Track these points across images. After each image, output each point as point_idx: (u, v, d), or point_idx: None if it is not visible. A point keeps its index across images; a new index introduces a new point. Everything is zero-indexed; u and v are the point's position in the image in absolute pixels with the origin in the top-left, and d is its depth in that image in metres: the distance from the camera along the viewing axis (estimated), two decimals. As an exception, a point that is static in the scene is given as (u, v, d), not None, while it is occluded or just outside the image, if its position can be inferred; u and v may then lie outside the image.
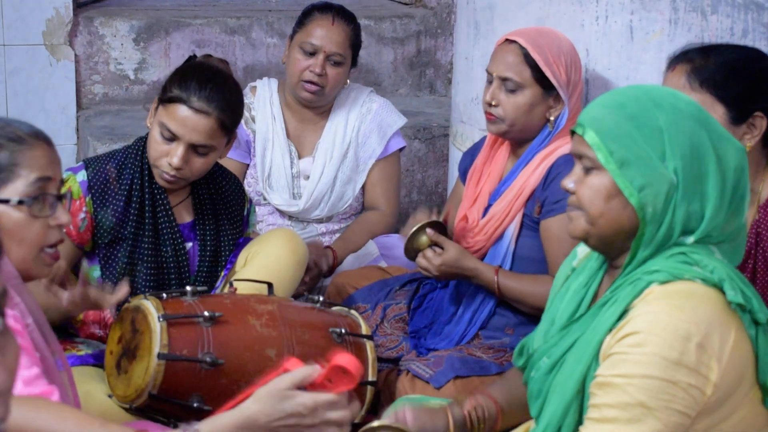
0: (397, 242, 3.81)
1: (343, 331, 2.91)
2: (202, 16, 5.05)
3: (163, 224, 3.08)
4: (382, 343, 3.28)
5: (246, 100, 3.78)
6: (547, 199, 3.10)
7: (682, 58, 2.67)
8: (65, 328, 3.06)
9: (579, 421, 2.16)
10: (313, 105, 3.85)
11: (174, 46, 4.94)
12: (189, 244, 3.14)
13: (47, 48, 4.73)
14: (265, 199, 3.85)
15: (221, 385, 2.69)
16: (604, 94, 2.24)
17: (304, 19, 3.83)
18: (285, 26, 4.97)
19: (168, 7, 5.23)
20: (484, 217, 3.21)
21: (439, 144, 4.78)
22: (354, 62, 3.86)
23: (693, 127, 2.11)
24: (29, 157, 2.13)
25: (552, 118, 3.14)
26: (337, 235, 3.89)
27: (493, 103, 3.13)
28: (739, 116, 2.60)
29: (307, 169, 3.88)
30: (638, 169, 2.09)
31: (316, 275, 3.67)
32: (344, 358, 1.92)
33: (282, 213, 3.88)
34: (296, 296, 3.30)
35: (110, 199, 3.05)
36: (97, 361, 2.99)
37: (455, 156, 3.78)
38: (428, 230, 3.13)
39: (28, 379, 1.95)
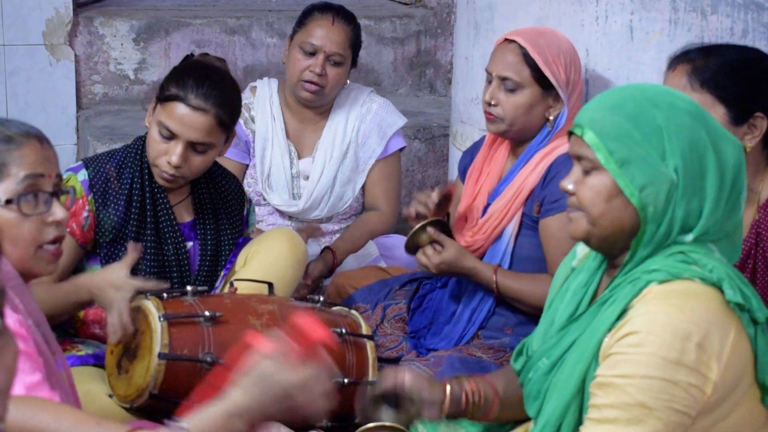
0: (397, 242, 3.81)
1: (343, 331, 2.91)
2: (202, 16, 5.05)
3: (164, 223, 3.08)
4: (383, 343, 3.28)
5: (246, 100, 3.78)
6: (546, 198, 3.10)
7: (682, 59, 2.67)
8: (65, 328, 3.06)
9: (578, 421, 2.16)
10: (313, 105, 3.85)
11: (174, 46, 4.93)
12: (189, 244, 3.14)
13: (47, 48, 4.73)
14: (264, 199, 3.84)
15: (221, 385, 2.69)
16: (599, 94, 2.23)
17: (304, 19, 3.82)
18: (285, 26, 4.96)
19: (168, 7, 5.22)
20: (483, 216, 3.22)
21: (439, 144, 4.78)
22: (354, 62, 3.86)
23: (691, 124, 2.11)
24: (18, 156, 2.13)
25: (551, 118, 3.15)
26: (337, 235, 3.88)
27: (493, 102, 3.14)
28: (739, 117, 2.60)
29: (307, 169, 3.87)
30: (639, 169, 2.09)
31: (317, 277, 3.67)
32: (301, 318, 1.89)
33: (282, 213, 3.87)
34: (298, 300, 3.30)
35: (111, 198, 3.05)
36: (97, 361, 3.00)
37: (455, 156, 3.78)
38: (429, 228, 3.14)
39: (30, 385, 1.94)
